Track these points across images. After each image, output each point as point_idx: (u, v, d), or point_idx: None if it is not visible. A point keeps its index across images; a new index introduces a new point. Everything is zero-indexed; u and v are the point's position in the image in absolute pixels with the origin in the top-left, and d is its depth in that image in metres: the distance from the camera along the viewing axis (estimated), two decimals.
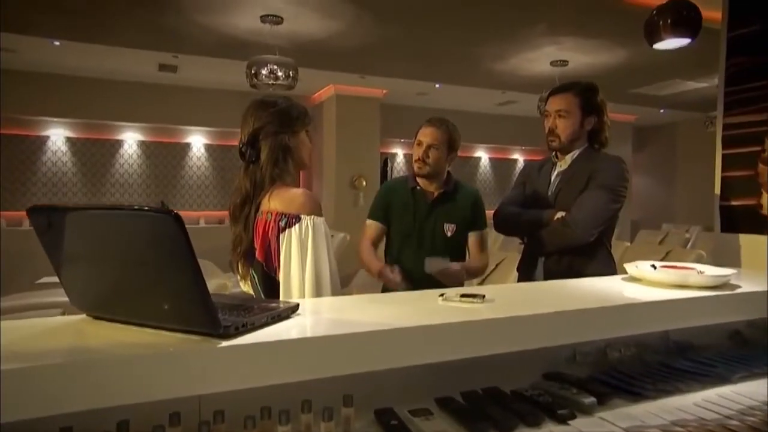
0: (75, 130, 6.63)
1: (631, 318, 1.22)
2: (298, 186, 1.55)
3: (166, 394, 0.80)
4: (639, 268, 1.48)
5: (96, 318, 0.99)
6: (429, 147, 2.03)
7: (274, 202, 1.44)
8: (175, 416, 0.88)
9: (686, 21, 2.90)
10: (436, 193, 2.10)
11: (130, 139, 6.91)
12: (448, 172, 2.12)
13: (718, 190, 2.10)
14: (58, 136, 6.58)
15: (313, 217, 1.42)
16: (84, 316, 1.00)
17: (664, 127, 10.07)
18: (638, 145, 10.04)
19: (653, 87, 6.84)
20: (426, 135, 2.05)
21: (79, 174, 6.68)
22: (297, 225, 1.40)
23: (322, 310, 1.12)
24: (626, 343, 1.34)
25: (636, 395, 1.14)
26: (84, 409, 0.75)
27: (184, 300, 0.83)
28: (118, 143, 6.85)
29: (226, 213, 8.08)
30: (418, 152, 2.06)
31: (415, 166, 2.07)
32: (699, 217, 8.19)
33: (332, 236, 1.52)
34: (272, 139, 1.49)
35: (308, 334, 0.94)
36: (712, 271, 1.44)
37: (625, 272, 1.54)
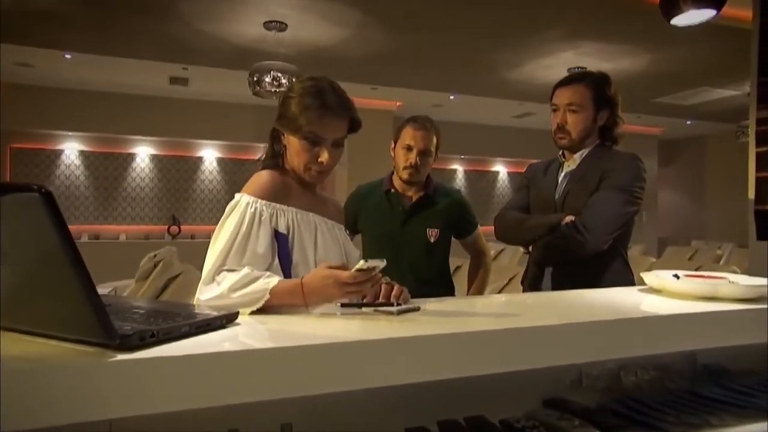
0: (89, 143, 6.69)
1: (649, 334, 1.03)
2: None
3: (37, 423, 0.62)
4: (659, 277, 1.27)
5: (6, 329, 0.84)
6: (421, 153, 1.91)
7: None
8: None
9: None
10: (415, 197, 1.98)
11: (143, 153, 6.93)
12: (428, 174, 2.01)
13: (752, 194, 1.88)
14: (72, 149, 6.64)
15: (242, 195, 1.18)
16: None
17: (692, 139, 9.72)
18: (665, 160, 9.70)
19: (679, 96, 6.57)
20: (417, 139, 1.91)
21: (92, 187, 6.71)
22: None
23: (268, 320, 0.95)
24: (644, 365, 1.15)
25: (655, 429, 0.94)
26: None
27: (65, 301, 0.67)
28: (131, 157, 6.88)
29: None
30: (408, 158, 1.91)
31: (405, 173, 1.93)
32: (732, 234, 7.79)
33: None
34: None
35: (235, 348, 0.77)
36: (746, 281, 1.23)
37: (644, 284, 1.33)
